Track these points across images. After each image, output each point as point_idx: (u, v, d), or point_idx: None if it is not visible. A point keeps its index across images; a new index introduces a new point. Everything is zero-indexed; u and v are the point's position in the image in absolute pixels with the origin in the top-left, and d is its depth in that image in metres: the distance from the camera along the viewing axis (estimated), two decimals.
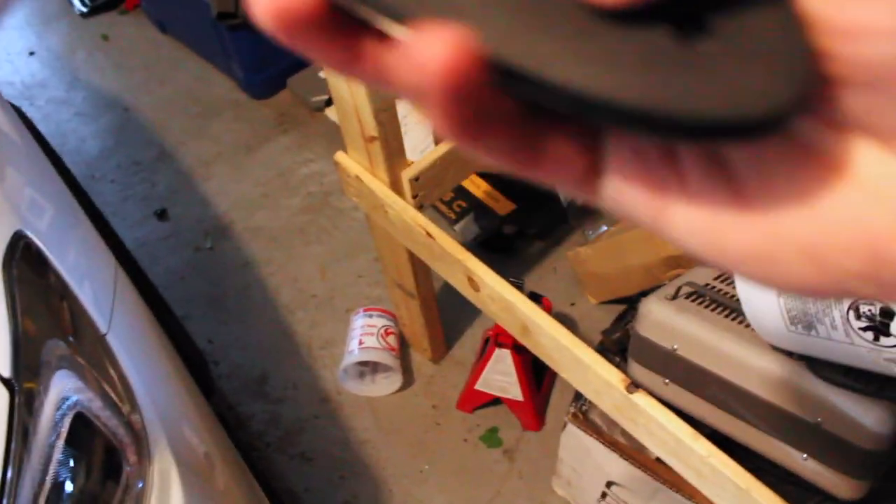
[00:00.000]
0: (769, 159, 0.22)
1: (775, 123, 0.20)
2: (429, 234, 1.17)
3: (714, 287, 1.31)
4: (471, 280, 1.16)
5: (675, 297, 1.28)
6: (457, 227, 1.81)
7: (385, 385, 1.69)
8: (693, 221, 0.22)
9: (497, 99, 0.21)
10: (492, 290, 1.12)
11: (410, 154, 1.92)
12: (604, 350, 1.49)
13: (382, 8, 0.20)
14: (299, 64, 2.31)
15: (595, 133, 0.23)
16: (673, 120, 0.20)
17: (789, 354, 1.09)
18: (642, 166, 0.23)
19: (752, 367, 1.13)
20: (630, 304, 1.66)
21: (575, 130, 0.23)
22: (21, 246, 0.94)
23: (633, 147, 0.23)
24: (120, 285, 1.11)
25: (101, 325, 1.01)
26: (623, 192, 0.23)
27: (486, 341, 1.59)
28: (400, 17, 0.20)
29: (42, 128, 2.37)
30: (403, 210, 1.20)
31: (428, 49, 0.19)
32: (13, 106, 1.53)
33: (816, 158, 0.21)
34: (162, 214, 2.13)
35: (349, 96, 1.13)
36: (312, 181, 2.14)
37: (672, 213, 0.23)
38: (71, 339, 0.93)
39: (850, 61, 0.20)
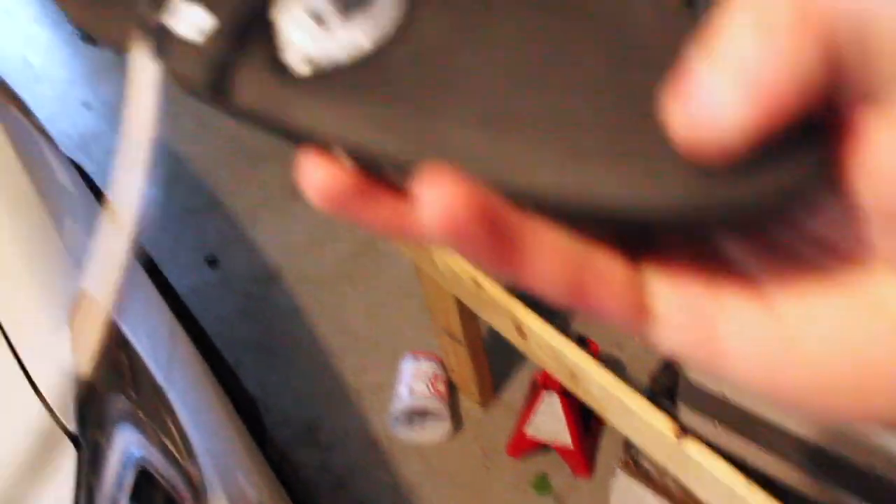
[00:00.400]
0: (807, 291, 0.22)
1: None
2: (477, 283, 1.18)
3: None
4: (518, 328, 1.17)
5: None
6: None
7: (434, 430, 1.70)
8: (745, 357, 0.23)
9: (525, 222, 0.21)
10: (539, 337, 1.13)
11: None
12: (652, 394, 1.49)
13: (386, 160, 0.21)
14: None
15: (637, 261, 0.23)
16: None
17: None
18: (688, 295, 0.23)
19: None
20: None
21: (619, 257, 0.23)
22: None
23: (675, 274, 0.23)
24: (176, 335, 1.14)
25: (159, 377, 1.04)
26: (671, 328, 0.23)
27: (535, 385, 1.59)
28: (403, 167, 0.21)
29: (97, 179, 2.46)
30: (451, 258, 1.22)
31: (426, 205, 0.19)
32: (71, 160, 1.59)
33: (848, 292, 0.21)
34: (213, 261, 2.18)
35: None
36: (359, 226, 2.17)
37: (724, 347, 0.23)
38: (132, 392, 0.96)
39: (879, 203, 0.19)
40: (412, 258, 1.37)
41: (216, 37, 0.24)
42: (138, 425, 0.89)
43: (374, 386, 1.82)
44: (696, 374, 1.27)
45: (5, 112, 1.36)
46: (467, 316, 1.45)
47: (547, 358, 1.16)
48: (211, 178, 2.45)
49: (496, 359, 1.70)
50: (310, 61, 0.23)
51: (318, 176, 0.22)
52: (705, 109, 0.18)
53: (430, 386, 1.68)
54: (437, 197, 0.19)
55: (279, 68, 0.23)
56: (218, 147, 2.56)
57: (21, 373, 0.87)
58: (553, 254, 0.21)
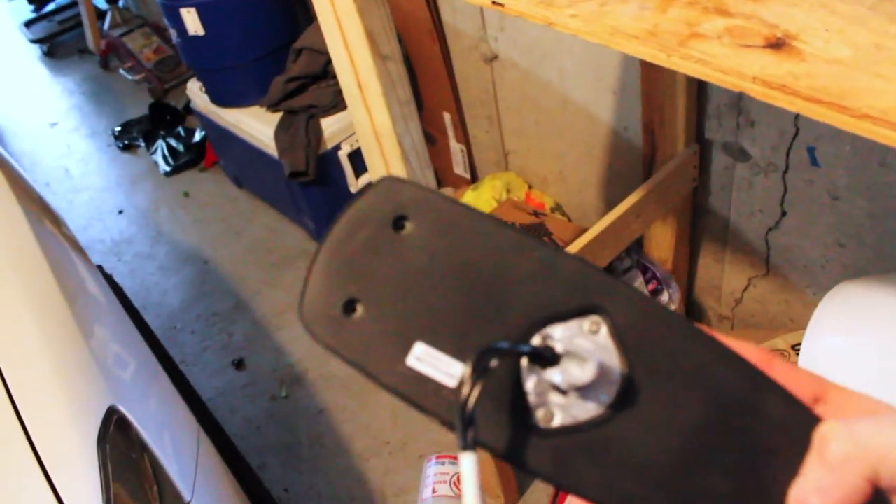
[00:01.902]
0: None
1: None
2: None
3: None
4: None
5: None
6: None
7: None
8: None
9: None
10: None
11: None
12: None
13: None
14: None
15: None
16: None
17: None
18: None
19: None
20: None
21: None
22: (114, 421, 1.01)
23: None
24: (202, 448, 1.16)
25: (185, 493, 1.06)
26: None
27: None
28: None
29: (128, 282, 2.53)
30: None
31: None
32: (98, 266, 1.65)
33: None
34: (239, 364, 2.22)
35: None
36: None
37: None
38: None
39: None
40: None
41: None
42: None
43: (399, 488, 1.82)
44: None
45: (40, 227, 1.43)
46: None
47: None
48: (237, 282, 2.51)
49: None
50: (551, 419, 0.31)
51: None
52: None
53: (454, 487, 1.68)
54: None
55: (524, 419, 0.31)
56: (244, 251, 2.63)
57: (50, 492, 0.91)
58: None
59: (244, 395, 2.13)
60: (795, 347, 1.45)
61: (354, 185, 2.38)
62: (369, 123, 1.05)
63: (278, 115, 2.34)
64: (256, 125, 2.39)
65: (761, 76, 0.54)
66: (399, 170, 1.06)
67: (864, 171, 1.35)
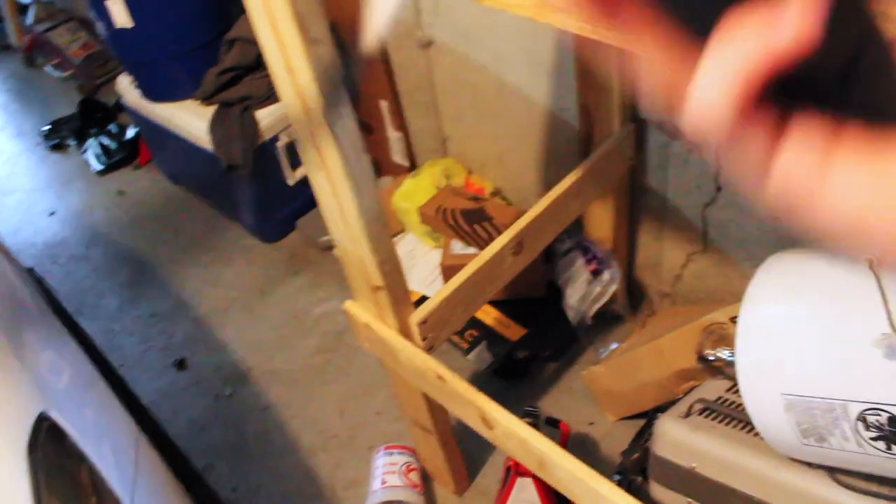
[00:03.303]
0: None
1: None
2: (440, 377, 1.19)
3: (726, 400, 1.32)
4: (484, 418, 1.18)
5: (688, 414, 1.29)
6: (470, 356, 1.83)
7: None
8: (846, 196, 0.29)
9: None
10: (505, 427, 1.14)
11: (419, 287, 1.97)
12: (624, 471, 1.49)
13: None
14: (307, 205, 2.39)
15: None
16: None
17: (809, 464, 1.09)
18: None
19: (773, 481, 1.13)
20: (648, 420, 1.67)
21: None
22: (45, 428, 0.97)
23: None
24: (141, 448, 1.13)
25: (124, 496, 1.03)
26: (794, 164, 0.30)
27: (509, 470, 1.59)
28: None
29: (63, 285, 2.46)
30: (413, 355, 1.23)
31: None
32: (28, 270, 1.59)
33: None
34: (181, 364, 2.17)
35: (353, 248, 1.18)
36: (327, 321, 2.18)
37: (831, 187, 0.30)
38: None
39: None
40: (378, 356, 1.38)
41: None
42: None
43: (349, 481, 1.80)
44: (664, 451, 1.28)
45: None
46: (436, 406, 1.45)
47: (514, 447, 1.16)
48: (177, 280, 2.45)
49: (469, 446, 1.70)
50: None
51: None
52: None
53: (403, 477, 1.67)
54: None
55: None
56: (183, 249, 2.57)
57: None
58: None
59: (188, 395, 2.09)
60: (734, 319, 1.47)
61: (291, 177, 2.35)
62: (302, 110, 1.03)
63: (213, 108, 2.29)
64: (190, 119, 2.33)
65: None
66: (332, 156, 1.04)
67: None
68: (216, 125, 2.24)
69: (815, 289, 1.01)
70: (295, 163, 2.31)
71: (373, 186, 1.11)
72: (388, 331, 1.27)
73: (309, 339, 2.15)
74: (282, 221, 2.47)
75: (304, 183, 2.31)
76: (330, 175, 1.07)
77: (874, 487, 1.04)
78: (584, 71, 1.55)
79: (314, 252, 2.39)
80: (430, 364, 1.21)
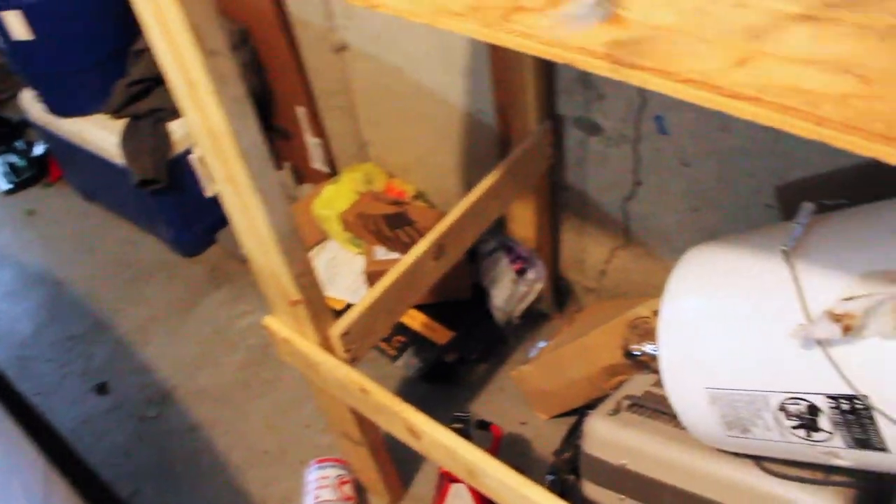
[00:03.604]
0: None
1: None
2: (363, 390, 1.17)
3: (653, 395, 1.33)
4: (411, 429, 1.16)
5: (616, 411, 1.29)
6: (398, 362, 1.81)
7: None
8: None
9: None
10: (432, 437, 1.12)
11: (344, 294, 1.94)
12: (556, 472, 1.49)
13: None
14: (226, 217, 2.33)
15: None
16: None
17: (736, 455, 1.10)
18: None
19: (701, 473, 1.14)
20: (579, 418, 1.67)
21: None
22: None
23: None
24: (51, 489, 1.08)
25: None
26: None
27: (442, 477, 1.57)
28: None
29: None
30: (336, 368, 1.21)
31: None
32: None
33: None
34: (102, 388, 2.09)
35: (267, 263, 1.15)
36: (251, 333, 2.13)
37: None
38: None
39: None
40: (300, 371, 1.35)
41: None
42: None
43: (281, 497, 1.76)
44: (594, 450, 1.28)
45: None
46: (363, 418, 1.43)
47: (442, 456, 1.15)
48: (94, 301, 2.37)
49: (402, 454, 1.67)
50: None
51: None
52: None
53: (336, 490, 1.64)
54: None
55: None
56: (99, 268, 2.48)
57: None
58: None
59: (110, 420, 2.01)
60: (658, 313, 1.48)
61: (209, 188, 2.29)
62: (202, 123, 0.99)
63: (123, 121, 2.21)
64: (101, 133, 2.25)
65: (586, 46, 0.52)
66: (239, 169, 1.01)
67: (708, 137, 1.38)
68: (127, 139, 2.17)
69: (732, 281, 1.01)
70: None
71: (284, 199, 1.08)
72: (308, 345, 1.24)
73: (234, 354, 2.10)
74: (201, 234, 2.40)
75: None
76: (239, 190, 1.04)
77: (799, 473, 1.05)
78: (498, 71, 1.54)
79: (235, 264, 2.34)
80: (353, 377, 1.19)
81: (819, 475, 1.04)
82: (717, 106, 0.48)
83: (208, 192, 2.29)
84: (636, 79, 0.50)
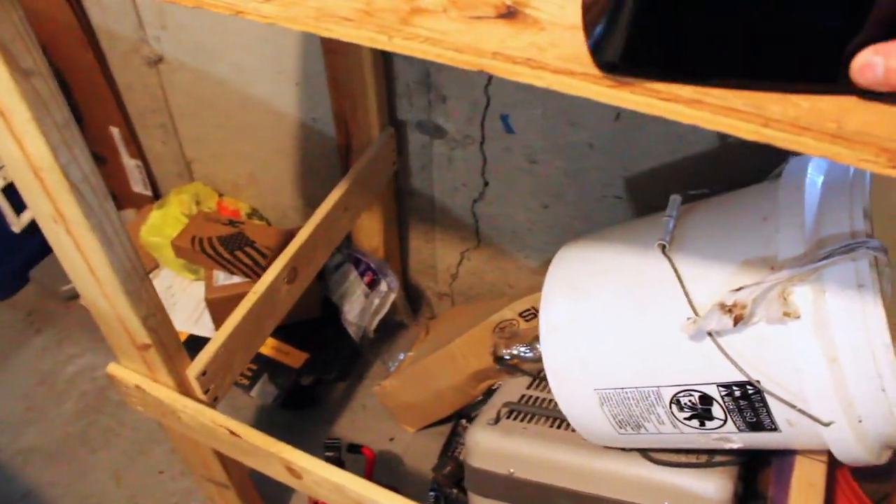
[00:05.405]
0: None
1: None
2: (233, 433, 1.07)
3: (530, 398, 1.31)
4: (290, 469, 1.07)
5: (497, 420, 1.27)
6: (253, 392, 1.71)
7: None
8: None
9: None
10: (316, 475, 1.04)
11: (185, 326, 1.80)
12: (438, 488, 1.45)
13: None
14: (40, 252, 2.12)
15: None
16: None
17: (623, 449, 1.10)
18: None
19: (589, 471, 1.14)
20: (453, 428, 1.64)
21: None
22: None
23: None
24: None
25: None
26: None
27: None
28: None
29: None
30: (198, 412, 1.10)
31: None
32: None
33: None
34: None
35: (109, 308, 1.02)
36: (82, 378, 1.94)
37: None
38: None
39: None
40: (156, 419, 1.23)
41: None
42: None
43: None
44: (480, 462, 1.25)
45: None
46: (229, 460, 1.32)
47: (328, 493, 1.07)
48: None
49: (271, 490, 1.57)
50: None
51: None
52: None
53: None
54: None
55: None
56: None
57: None
58: None
59: None
60: (524, 314, 1.47)
61: (17, 223, 2.06)
62: (21, 156, 0.86)
63: None
64: None
65: (502, 51, 0.47)
66: (70, 205, 0.89)
67: (555, 133, 1.38)
68: None
69: (610, 280, 1.00)
70: (20, 206, 2.04)
71: (124, 235, 0.97)
72: (164, 390, 1.12)
73: (65, 405, 1.90)
74: (12, 274, 2.16)
75: (34, 227, 2.04)
76: (71, 229, 0.91)
77: (686, 459, 1.07)
78: (336, 78, 1.47)
79: (56, 303, 2.12)
80: (220, 420, 1.08)
81: (703, 458, 1.06)
82: (659, 112, 0.44)
83: (16, 227, 2.06)
84: (565, 86, 0.45)
